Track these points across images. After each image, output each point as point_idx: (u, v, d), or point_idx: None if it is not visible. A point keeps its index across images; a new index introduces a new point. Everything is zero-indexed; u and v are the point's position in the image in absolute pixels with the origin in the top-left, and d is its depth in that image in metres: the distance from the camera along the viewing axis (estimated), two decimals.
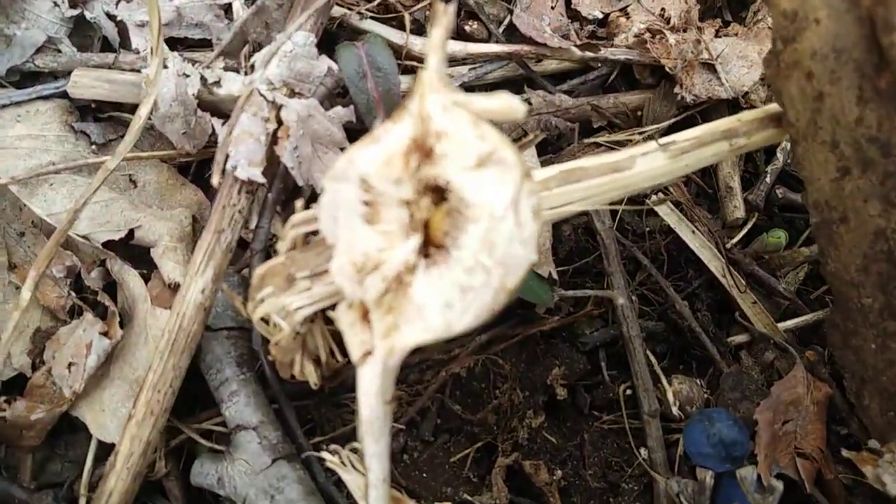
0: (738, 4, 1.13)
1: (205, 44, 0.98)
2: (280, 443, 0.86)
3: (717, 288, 1.00)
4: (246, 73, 0.88)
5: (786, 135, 0.74)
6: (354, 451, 0.75)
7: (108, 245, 0.93)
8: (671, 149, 0.70)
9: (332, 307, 0.68)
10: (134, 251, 0.95)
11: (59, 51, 0.98)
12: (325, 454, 0.77)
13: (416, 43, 1.00)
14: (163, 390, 0.81)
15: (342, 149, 0.90)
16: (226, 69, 0.89)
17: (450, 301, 0.58)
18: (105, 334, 0.86)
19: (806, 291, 1.02)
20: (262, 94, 0.84)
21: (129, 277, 0.92)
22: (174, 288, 0.89)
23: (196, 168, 1.03)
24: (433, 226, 0.61)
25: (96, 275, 0.93)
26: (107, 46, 1.01)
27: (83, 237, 0.92)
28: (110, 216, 0.92)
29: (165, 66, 0.91)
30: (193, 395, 0.93)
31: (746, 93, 0.99)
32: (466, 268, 0.57)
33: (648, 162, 0.70)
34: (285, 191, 0.91)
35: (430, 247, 0.61)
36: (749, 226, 1.02)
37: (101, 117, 1.00)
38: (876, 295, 0.74)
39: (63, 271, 0.94)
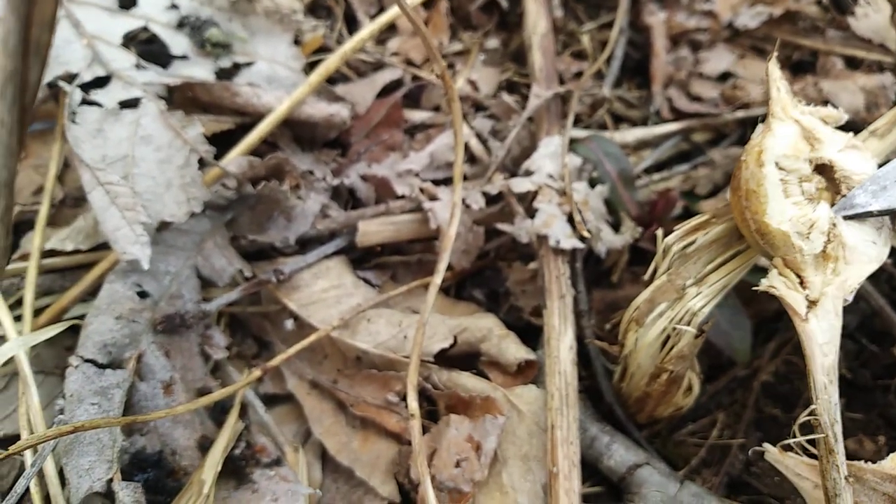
0: None
1: (447, 181, 1.16)
2: (671, 470, 0.92)
3: None
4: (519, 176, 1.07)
5: None
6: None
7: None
8: None
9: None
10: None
11: (328, 215, 1.13)
12: (766, 445, 0.85)
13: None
14: (574, 442, 0.88)
15: (606, 220, 1.08)
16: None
17: (872, 238, 0.76)
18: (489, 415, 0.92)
19: None
20: (549, 186, 1.02)
21: (462, 378, 1.00)
22: (522, 367, 0.98)
23: (455, 290, 1.16)
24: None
25: (428, 386, 1.00)
26: (357, 203, 1.17)
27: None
28: (434, 330, 1.02)
29: (437, 199, 1.09)
30: None
31: None
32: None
33: None
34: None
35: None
36: None
37: (371, 264, 1.14)
38: None
39: (395, 396, 1.01)
